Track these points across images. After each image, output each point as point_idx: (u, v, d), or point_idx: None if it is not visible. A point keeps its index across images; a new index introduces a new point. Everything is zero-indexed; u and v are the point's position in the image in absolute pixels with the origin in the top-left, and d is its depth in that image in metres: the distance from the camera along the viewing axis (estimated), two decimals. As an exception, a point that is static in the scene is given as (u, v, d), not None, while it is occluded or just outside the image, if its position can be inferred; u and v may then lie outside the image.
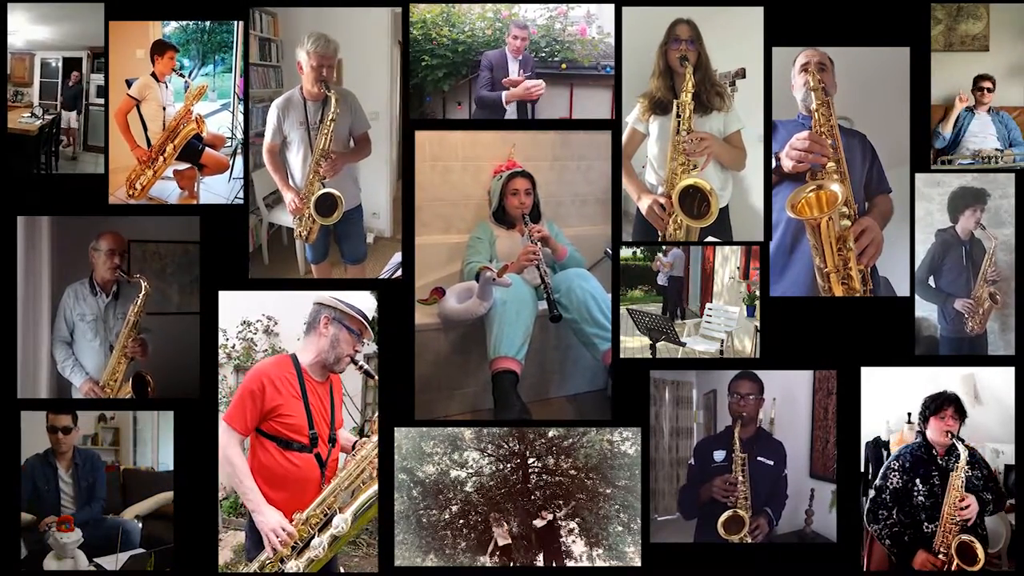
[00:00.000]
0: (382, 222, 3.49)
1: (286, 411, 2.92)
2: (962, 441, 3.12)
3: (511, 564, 3.28)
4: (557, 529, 3.30)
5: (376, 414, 3.25)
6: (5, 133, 3.33)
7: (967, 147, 3.37)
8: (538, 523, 3.30)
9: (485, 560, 3.29)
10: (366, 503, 2.98)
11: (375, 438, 3.08)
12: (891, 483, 3.16)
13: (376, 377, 3.13)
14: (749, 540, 3.25)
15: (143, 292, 3.33)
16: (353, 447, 3.08)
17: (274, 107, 3.42)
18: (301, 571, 2.89)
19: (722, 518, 3.24)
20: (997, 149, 3.37)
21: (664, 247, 3.39)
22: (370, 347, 3.35)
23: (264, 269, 3.45)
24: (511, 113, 3.45)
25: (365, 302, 3.03)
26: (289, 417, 2.92)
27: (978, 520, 3.13)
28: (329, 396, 3.04)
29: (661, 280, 3.44)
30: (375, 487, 3.03)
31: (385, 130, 3.44)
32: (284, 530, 2.87)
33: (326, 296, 3.01)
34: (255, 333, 3.48)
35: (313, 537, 2.90)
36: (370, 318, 3.03)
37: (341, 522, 2.92)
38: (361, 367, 3.03)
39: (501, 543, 3.29)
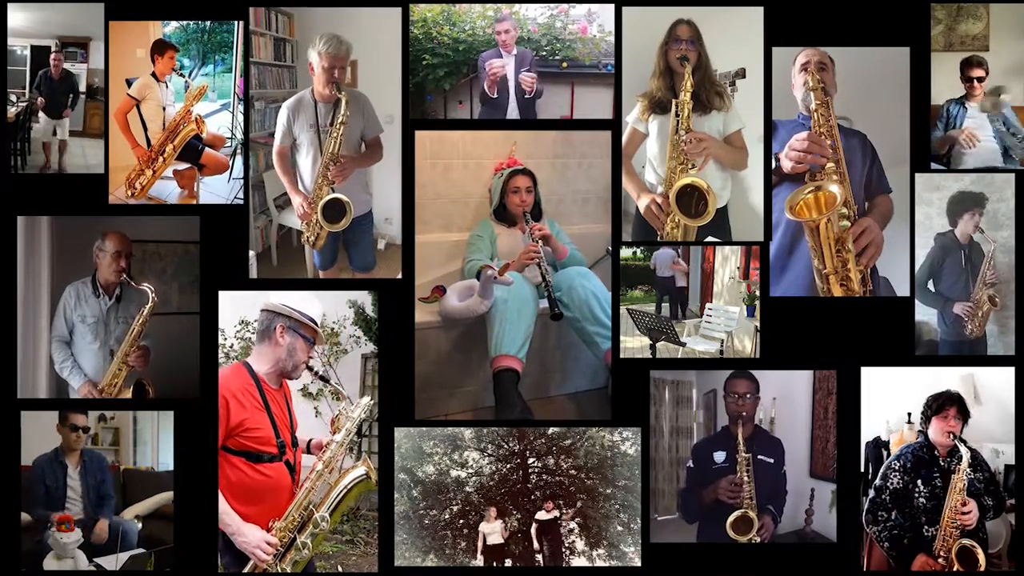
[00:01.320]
0: (395, 228, 3.40)
1: (252, 424, 2.85)
2: (965, 443, 3.09)
3: (514, 564, 3.29)
4: (557, 529, 3.31)
5: (339, 412, 3.07)
6: (4, 126, 3.32)
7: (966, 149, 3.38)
8: (542, 516, 3.30)
9: (476, 561, 3.29)
10: (340, 494, 2.94)
11: (337, 436, 2.98)
12: (891, 483, 3.13)
13: (331, 381, 3.05)
14: (757, 540, 3.25)
15: (150, 302, 3.29)
16: (307, 446, 3.04)
17: (284, 108, 3.39)
18: (289, 572, 2.88)
19: (731, 518, 3.23)
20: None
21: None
22: (369, 347, 3.36)
23: (272, 270, 3.45)
24: (512, 112, 3.45)
25: (313, 308, 2.97)
26: (256, 430, 2.86)
27: (978, 524, 3.10)
28: (285, 401, 2.99)
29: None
30: (346, 479, 2.97)
31: (400, 134, 3.35)
32: (268, 543, 2.84)
33: (276, 303, 2.94)
34: (253, 333, 3.46)
35: (295, 539, 2.89)
36: (320, 323, 2.98)
37: (319, 519, 2.90)
38: (316, 372, 3.00)
39: (491, 542, 3.30)
